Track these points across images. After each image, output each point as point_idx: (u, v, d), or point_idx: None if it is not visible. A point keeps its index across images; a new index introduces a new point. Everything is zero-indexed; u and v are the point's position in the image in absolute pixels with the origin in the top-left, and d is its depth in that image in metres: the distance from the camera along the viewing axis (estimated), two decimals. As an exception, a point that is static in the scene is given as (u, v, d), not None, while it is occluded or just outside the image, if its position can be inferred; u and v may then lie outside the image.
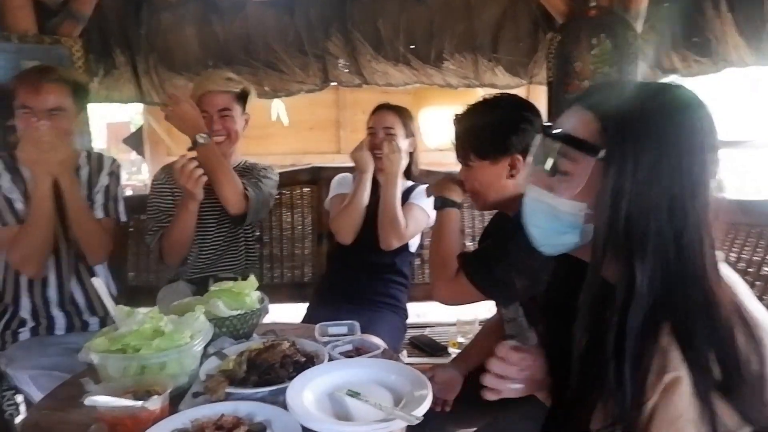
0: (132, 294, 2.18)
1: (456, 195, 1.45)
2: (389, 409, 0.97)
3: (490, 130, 1.32)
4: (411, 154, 2.02)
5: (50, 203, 1.58)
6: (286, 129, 5.35)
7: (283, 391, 1.00)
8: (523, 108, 1.35)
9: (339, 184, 2.09)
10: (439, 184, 1.50)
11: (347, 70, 2.75)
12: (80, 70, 2.20)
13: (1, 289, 1.75)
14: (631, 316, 0.68)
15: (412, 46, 2.69)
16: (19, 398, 1.84)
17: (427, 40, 2.68)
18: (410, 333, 2.23)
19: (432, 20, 2.66)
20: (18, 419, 1.85)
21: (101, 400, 0.91)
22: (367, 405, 0.99)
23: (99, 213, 1.75)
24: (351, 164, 2.04)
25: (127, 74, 2.65)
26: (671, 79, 2.60)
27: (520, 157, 1.31)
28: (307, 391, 1.02)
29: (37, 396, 1.50)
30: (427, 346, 2.19)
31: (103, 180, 1.79)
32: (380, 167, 1.92)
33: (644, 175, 0.68)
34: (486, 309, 1.49)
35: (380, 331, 1.66)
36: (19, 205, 1.65)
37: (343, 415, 0.98)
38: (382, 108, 2.02)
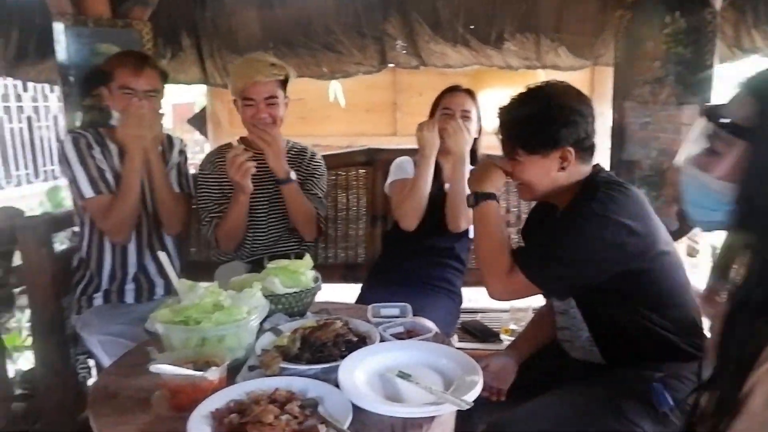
0: (192, 269, 2.28)
1: (492, 186, 1.35)
2: (440, 392, 0.96)
3: (538, 124, 1.24)
4: (475, 140, 1.96)
5: (140, 176, 1.73)
6: (343, 111, 5.37)
7: (335, 369, 1.02)
8: (572, 97, 1.26)
9: (399, 168, 2.04)
10: (475, 177, 1.40)
11: (405, 52, 2.71)
12: (150, 53, 2.29)
13: (85, 256, 1.88)
14: (755, 291, 0.70)
15: (471, 27, 2.60)
16: (91, 362, 1.98)
17: (487, 20, 2.59)
18: (462, 318, 2.21)
19: (493, -1, 2.58)
20: (89, 382, 2.00)
21: (165, 368, 0.95)
22: (418, 387, 0.99)
23: (174, 187, 1.87)
24: (407, 146, 2.01)
25: (192, 57, 2.74)
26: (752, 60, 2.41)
27: (571, 149, 1.24)
28: (358, 371, 1.04)
29: (104, 360, 1.62)
30: (478, 332, 2.18)
31: (175, 158, 1.94)
32: (445, 148, 1.88)
33: None
34: (540, 297, 1.44)
35: (433, 314, 1.65)
36: (109, 176, 1.78)
37: (393, 396, 0.99)
38: (457, 90, 1.97)
